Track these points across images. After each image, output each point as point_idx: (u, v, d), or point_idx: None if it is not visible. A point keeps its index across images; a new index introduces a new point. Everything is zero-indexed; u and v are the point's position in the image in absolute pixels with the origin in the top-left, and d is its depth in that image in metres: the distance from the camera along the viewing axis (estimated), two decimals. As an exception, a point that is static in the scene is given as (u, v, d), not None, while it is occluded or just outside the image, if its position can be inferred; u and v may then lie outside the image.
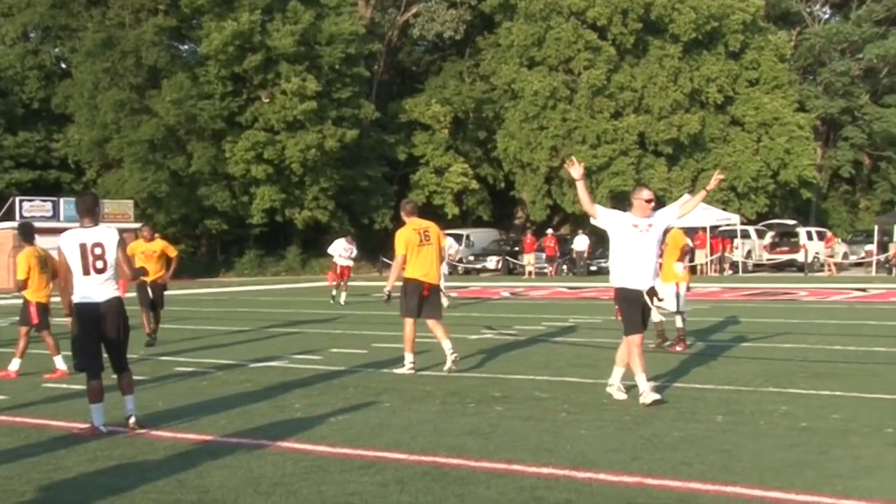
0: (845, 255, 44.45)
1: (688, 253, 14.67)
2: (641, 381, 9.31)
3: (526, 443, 7.73)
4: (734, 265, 41.93)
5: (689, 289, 14.47)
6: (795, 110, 52.76)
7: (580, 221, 45.37)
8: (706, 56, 50.48)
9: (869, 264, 39.94)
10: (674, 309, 13.74)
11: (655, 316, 13.53)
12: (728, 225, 42.38)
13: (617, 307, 9.89)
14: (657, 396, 9.26)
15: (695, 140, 49.86)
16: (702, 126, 49.51)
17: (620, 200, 48.50)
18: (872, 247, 40.47)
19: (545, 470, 6.80)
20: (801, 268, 39.64)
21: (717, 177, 10.20)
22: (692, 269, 14.90)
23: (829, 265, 40.12)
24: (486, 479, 6.59)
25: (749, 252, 42.56)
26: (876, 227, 41.67)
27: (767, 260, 42.46)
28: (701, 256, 41.13)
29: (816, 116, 55.21)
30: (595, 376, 11.13)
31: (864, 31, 55.93)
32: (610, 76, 48.53)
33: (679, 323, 13.85)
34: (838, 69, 55.42)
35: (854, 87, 56.73)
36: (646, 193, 9.63)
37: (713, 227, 41.53)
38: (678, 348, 13.64)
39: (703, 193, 10.20)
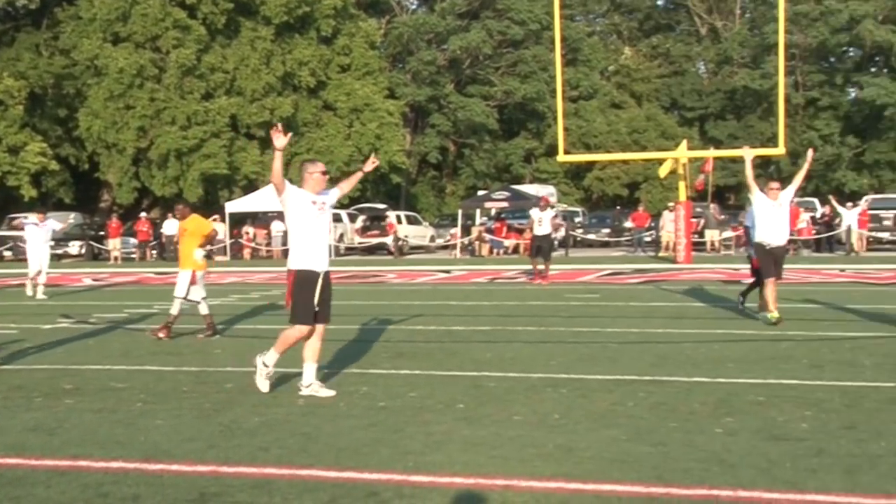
0: (432, 238, 46.29)
1: (212, 239, 14.22)
2: (309, 371, 8.88)
3: (95, 436, 7.22)
4: (331, 248, 42.46)
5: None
6: (386, 97, 54.23)
7: (169, 205, 44.12)
8: (298, 40, 50.65)
9: (454, 247, 41.81)
10: (185, 296, 13.44)
11: (175, 307, 13.29)
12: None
13: (290, 292, 8.91)
14: (328, 393, 8.81)
15: (288, 124, 49.80)
16: (295, 110, 49.69)
17: (213, 183, 47.91)
18: (457, 230, 42.39)
19: (114, 464, 6.36)
20: (390, 251, 40.83)
21: (372, 160, 9.77)
22: (209, 256, 14.44)
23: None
24: (46, 479, 6.04)
25: (341, 236, 43.26)
26: (460, 211, 43.73)
27: (359, 243, 43.38)
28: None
29: (406, 103, 57.16)
30: (177, 364, 10.67)
31: (448, 23, 58.63)
32: (200, 56, 47.34)
33: (175, 309, 13.46)
34: (425, 58, 57.77)
35: (440, 77, 59.36)
36: (320, 166, 9.06)
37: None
38: (161, 335, 13.11)
39: (359, 174, 9.81)
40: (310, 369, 8.86)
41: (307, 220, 8.77)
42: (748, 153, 14.93)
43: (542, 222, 23.67)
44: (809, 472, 5.83)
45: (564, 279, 24.37)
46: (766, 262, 13.73)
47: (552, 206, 27.79)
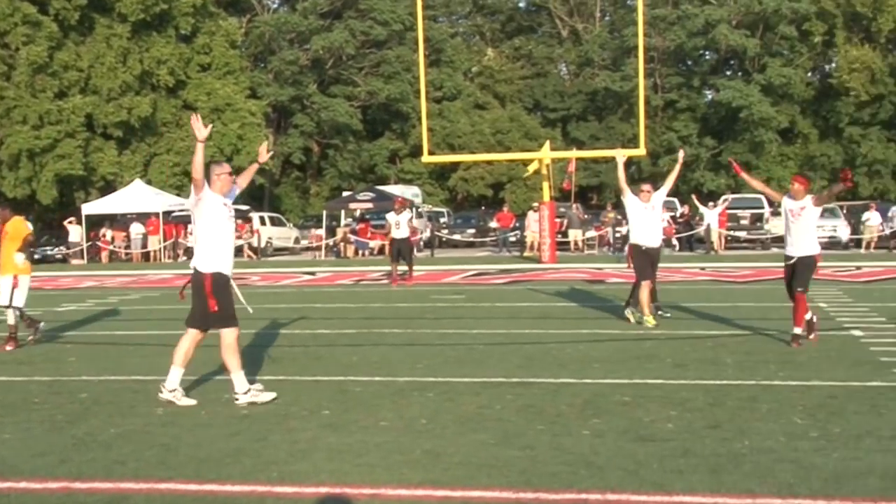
0: (297, 240, 45.81)
1: (30, 243, 13.40)
2: (237, 379, 8.57)
3: (-64, 456, 6.78)
4: (189, 250, 41.64)
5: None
6: (247, 97, 53.42)
7: (23, 207, 42.50)
8: (156, 38, 49.35)
9: (319, 248, 41.42)
10: (6, 303, 12.87)
11: (10, 317, 12.75)
12: (181, 210, 41.97)
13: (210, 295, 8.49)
14: (266, 397, 8.53)
15: (146, 123, 48.71)
16: (154, 109, 48.44)
17: (68, 184, 46.40)
18: (321, 231, 42.01)
19: (-45, 485, 5.96)
20: (255, 251, 40.23)
21: (265, 148, 9.39)
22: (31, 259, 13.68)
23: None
24: None
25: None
26: (324, 213, 43.40)
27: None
28: (155, 242, 40.43)
29: (268, 104, 56.43)
30: (28, 373, 10.25)
31: (310, 22, 58.10)
32: (52, 53, 45.74)
33: (11, 319, 12.87)
34: (287, 58, 57.11)
35: (303, 77, 58.76)
36: (227, 167, 8.68)
37: (167, 213, 40.93)
38: (8, 347, 12.54)
39: (255, 167, 9.44)
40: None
41: (219, 222, 8.46)
42: (620, 154, 15.05)
43: (400, 225, 23.54)
44: (676, 473, 5.85)
45: (430, 280, 24.33)
46: (642, 264, 13.84)
47: (409, 208, 27.70)
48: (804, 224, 11.58)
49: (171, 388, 8.52)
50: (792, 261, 11.66)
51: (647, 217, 13.99)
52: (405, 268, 23.71)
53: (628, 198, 14.13)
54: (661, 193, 14.24)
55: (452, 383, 9.21)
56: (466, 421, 7.53)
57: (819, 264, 11.81)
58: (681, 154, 15.42)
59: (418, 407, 8.12)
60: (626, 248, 15.20)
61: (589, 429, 7.14)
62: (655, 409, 7.78)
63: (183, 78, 50.97)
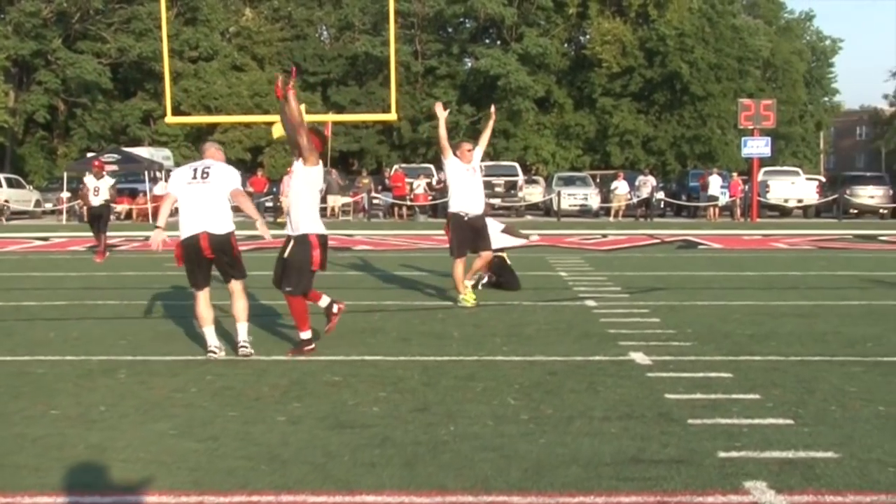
0: (38, 203, 43.24)
1: None
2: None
3: None
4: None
5: None
6: (-17, 49, 49.97)
7: None
8: None
9: (61, 212, 39.11)
10: None
11: None
12: None
13: None
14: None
15: None
16: None
17: None
18: (66, 194, 39.63)
19: None
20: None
21: None
22: None
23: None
24: None
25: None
26: (65, 174, 41.08)
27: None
28: None
29: (6, 57, 52.85)
30: None
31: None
32: None
33: None
34: (28, 9, 53.57)
35: (46, 31, 55.33)
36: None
37: None
38: None
39: None
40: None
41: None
42: (441, 110, 12.59)
43: (99, 191, 20.42)
44: (367, 467, 5.23)
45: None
46: (462, 236, 12.06)
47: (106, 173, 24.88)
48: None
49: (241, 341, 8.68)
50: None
51: (469, 180, 12.16)
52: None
53: (449, 159, 12.25)
54: (479, 154, 12.42)
55: (151, 362, 8.35)
56: (151, 407, 6.71)
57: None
58: (493, 109, 13.78)
59: (103, 391, 7.23)
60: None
61: (286, 414, 6.46)
62: (364, 390, 7.17)
63: None
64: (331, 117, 40.05)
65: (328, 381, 7.54)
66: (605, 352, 8.77)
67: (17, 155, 58.19)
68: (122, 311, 11.79)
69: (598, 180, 43.67)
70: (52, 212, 42.06)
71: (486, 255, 12.32)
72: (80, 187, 21.44)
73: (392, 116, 28.56)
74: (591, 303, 12.19)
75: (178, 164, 48.53)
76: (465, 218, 12.08)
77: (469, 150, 12.22)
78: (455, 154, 12.30)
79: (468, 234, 12.08)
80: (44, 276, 16.69)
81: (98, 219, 20.32)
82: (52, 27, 55.95)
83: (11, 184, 42.43)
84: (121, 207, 38.11)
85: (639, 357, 8.44)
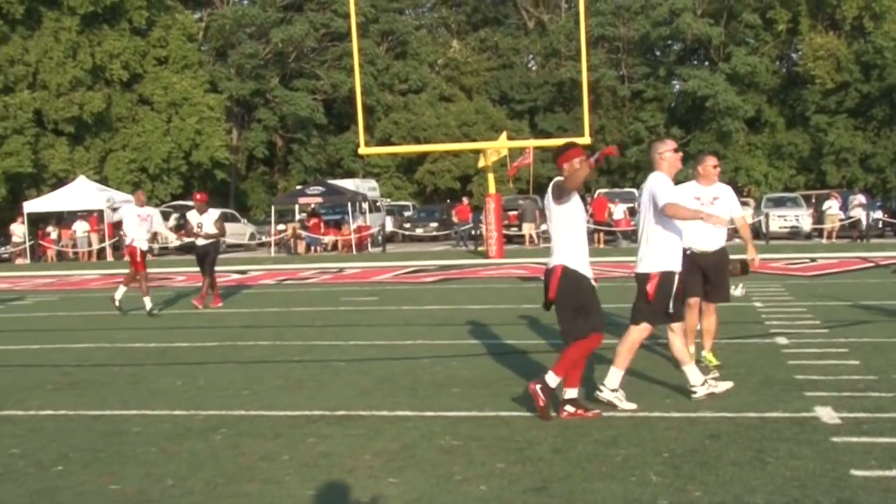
0: (252, 236, 44.79)
1: None
2: None
3: None
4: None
5: None
6: (207, 91, 52.20)
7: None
8: (108, 31, 48.04)
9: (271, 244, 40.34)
10: None
11: None
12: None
13: None
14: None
15: (100, 119, 47.44)
16: (107, 104, 47.22)
17: (18, 182, 45.04)
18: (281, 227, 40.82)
19: None
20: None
21: None
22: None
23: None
24: None
25: (155, 235, 41.05)
26: (272, 208, 42.50)
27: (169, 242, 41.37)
28: (95, 240, 39.08)
29: (228, 97, 55.17)
30: None
31: (269, 15, 56.91)
32: (-2, 49, 44.58)
33: None
34: (247, 51, 55.84)
35: (265, 70, 57.54)
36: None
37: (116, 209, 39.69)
38: None
39: None
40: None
41: None
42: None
43: (203, 227, 17.60)
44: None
45: (357, 279, 23.13)
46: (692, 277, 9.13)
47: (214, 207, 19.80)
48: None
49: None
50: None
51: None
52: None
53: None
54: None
55: (259, 419, 7.85)
56: (226, 482, 6.11)
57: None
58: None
59: (183, 459, 6.74)
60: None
61: (370, 494, 5.87)
62: (481, 459, 6.35)
63: (139, 72, 49.79)
64: (529, 143, 39.49)
65: (444, 447, 6.71)
66: (786, 406, 7.61)
67: (240, 190, 60.60)
68: (268, 353, 11.43)
69: (812, 200, 41.46)
70: (263, 244, 43.36)
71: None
72: (185, 223, 19.40)
73: (585, 140, 27.86)
74: (782, 340, 11.02)
75: (386, 195, 49.35)
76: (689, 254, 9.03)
77: (715, 167, 9.64)
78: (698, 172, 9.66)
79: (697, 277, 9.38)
80: (209, 313, 16.58)
81: (204, 258, 17.57)
82: (270, 67, 58.13)
83: (227, 218, 43.99)
84: (328, 239, 38.88)
85: (825, 414, 7.26)
